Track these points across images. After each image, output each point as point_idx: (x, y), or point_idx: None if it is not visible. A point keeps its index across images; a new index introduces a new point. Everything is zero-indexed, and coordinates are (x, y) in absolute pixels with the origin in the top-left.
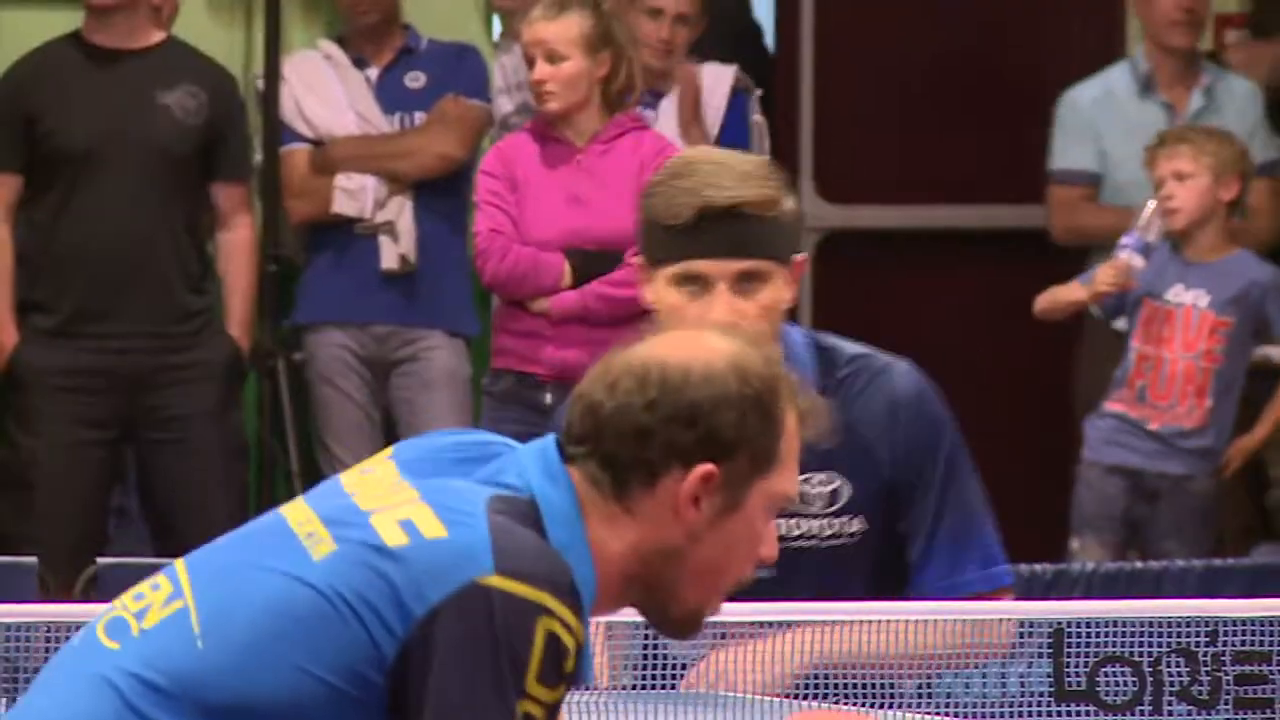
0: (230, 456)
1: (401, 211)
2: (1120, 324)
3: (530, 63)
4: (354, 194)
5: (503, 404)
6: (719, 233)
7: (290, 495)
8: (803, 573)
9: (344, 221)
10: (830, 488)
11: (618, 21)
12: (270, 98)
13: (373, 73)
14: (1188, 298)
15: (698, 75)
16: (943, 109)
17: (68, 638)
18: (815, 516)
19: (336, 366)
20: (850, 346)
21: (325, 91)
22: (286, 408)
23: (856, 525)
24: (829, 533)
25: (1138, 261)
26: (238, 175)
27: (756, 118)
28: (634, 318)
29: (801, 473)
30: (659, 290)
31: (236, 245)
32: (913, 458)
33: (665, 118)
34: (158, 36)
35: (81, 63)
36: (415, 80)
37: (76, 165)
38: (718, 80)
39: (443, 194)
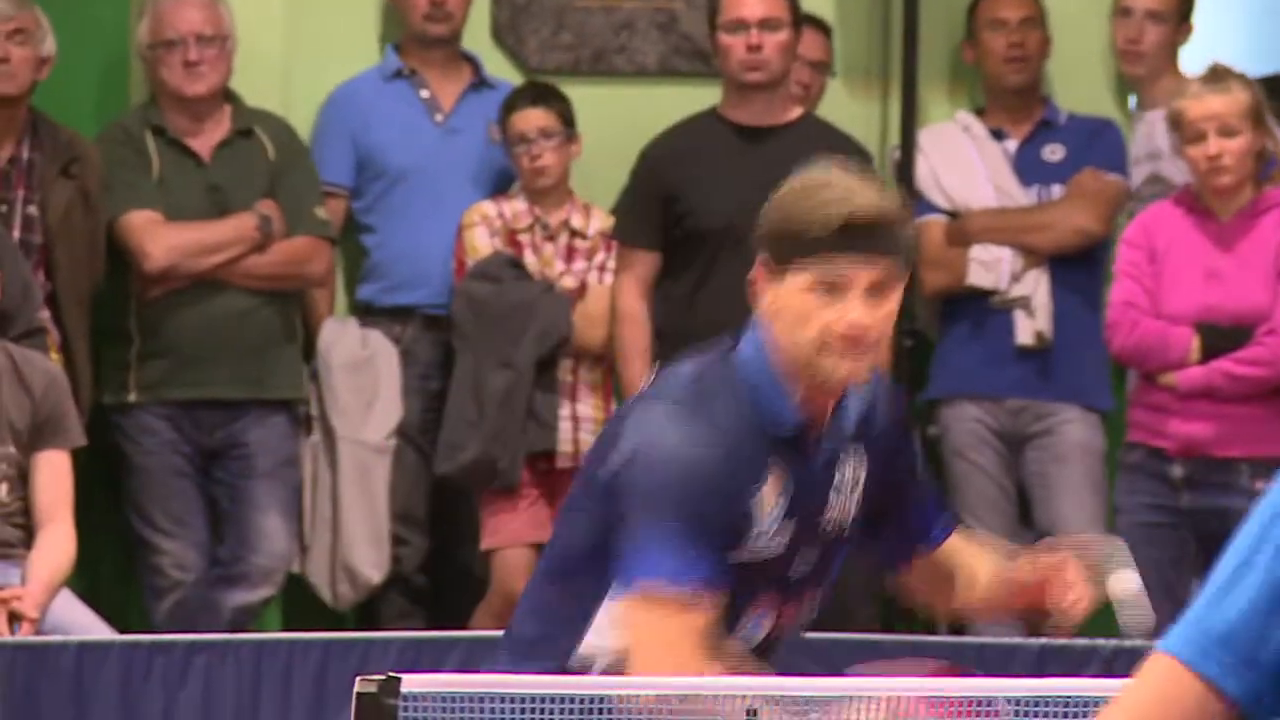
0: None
1: (1038, 285)
2: None
3: (1195, 137)
4: (989, 266)
5: (1133, 477)
6: (860, 241)
7: None
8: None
9: (978, 294)
10: (856, 475)
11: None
12: (906, 169)
13: (1011, 145)
14: None
15: None
16: None
17: None
18: (843, 506)
19: (970, 440)
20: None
21: (962, 163)
22: None
23: (860, 508)
24: (847, 517)
25: None
26: None
27: None
28: (1262, 395)
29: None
30: (788, 293)
31: None
32: (896, 443)
33: None
34: (795, 113)
35: (722, 139)
36: (1054, 153)
37: (715, 242)
38: None
39: (1079, 268)
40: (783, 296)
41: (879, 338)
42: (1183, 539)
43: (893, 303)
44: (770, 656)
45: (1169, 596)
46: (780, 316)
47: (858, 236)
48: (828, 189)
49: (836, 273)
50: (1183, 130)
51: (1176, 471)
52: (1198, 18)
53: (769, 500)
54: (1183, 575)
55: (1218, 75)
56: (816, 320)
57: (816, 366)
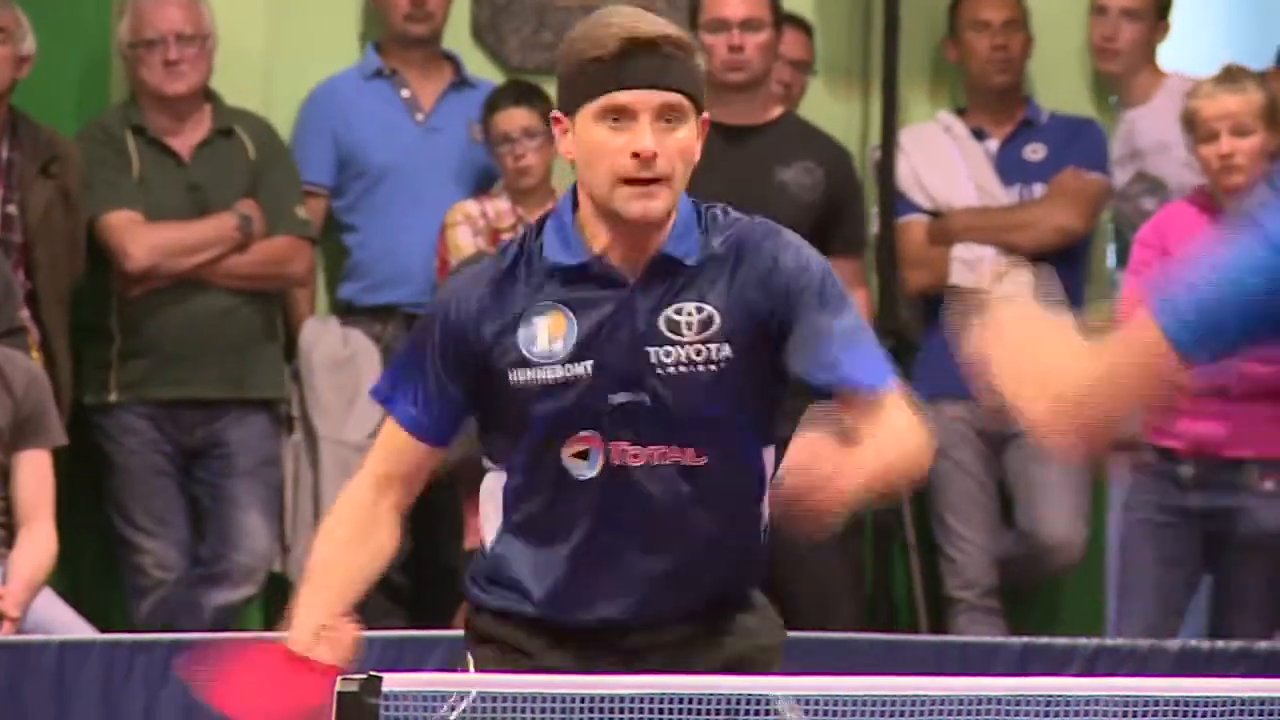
0: (845, 531)
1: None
2: None
3: (1208, 136)
4: (972, 265)
5: (1142, 476)
6: (643, 64)
7: (906, 569)
8: (681, 395)
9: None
10: (702, 315)
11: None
12: (887, 169)
13: (992, 144)
14: None
15: None
16: None
17: None
18: (687, 343)
19: (952, 439)
20: (731, 211)
21: (944, 162)
22: None
23: (725, 351)
24: (699, 358)
25: None
26: (852, 250)
27: None
28: (1272, 394)
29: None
30: (581, 132)
31: None
32: (791, 288)
33: None
34: (776, 112)
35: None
36: (1035, 152)
37: None
38: None
39: (1061, 267)
40: (577, 138)
41: (672, 170)
42: (1190, 539)
43: (686, 135)
44: (660, 497)
45: (1176, 596)
46: (578, 159)
47: (640, 62)
48: (610, 20)
49: (621, 99)
50: (1196, 129)
51: (1186, 472)
52: (1176, 15)
53: (546, 333)
54: (1190, 575)
55: (1232, 75)
56: (607, 153)
57: (611, 203)
